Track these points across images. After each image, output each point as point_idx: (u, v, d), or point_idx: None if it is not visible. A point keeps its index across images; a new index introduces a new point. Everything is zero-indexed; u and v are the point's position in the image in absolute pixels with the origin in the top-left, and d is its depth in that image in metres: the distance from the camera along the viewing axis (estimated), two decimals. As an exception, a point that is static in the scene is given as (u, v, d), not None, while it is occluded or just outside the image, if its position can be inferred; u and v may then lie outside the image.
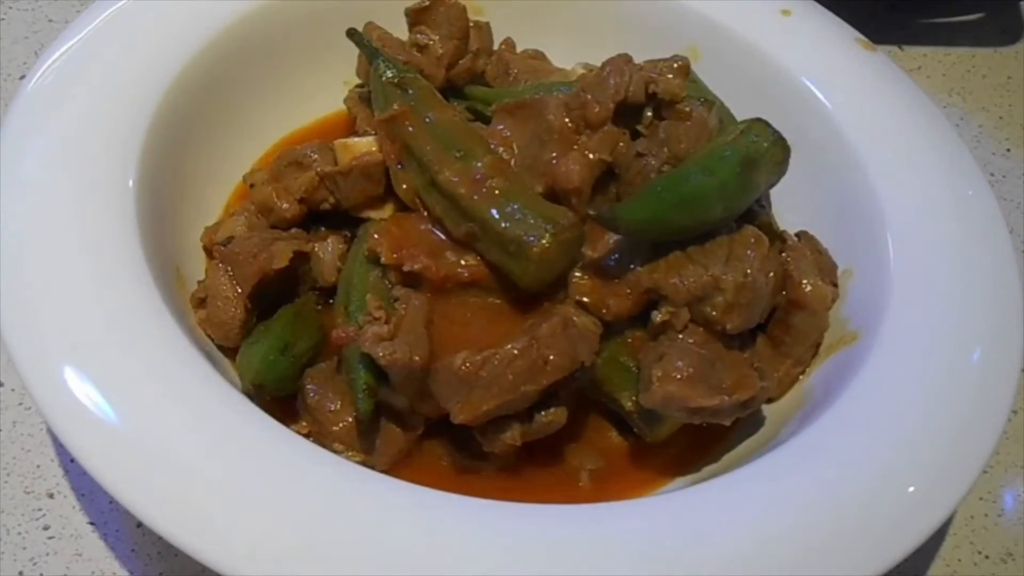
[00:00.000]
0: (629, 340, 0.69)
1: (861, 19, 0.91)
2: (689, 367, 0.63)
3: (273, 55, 0.84)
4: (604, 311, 0.67)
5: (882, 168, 0.77)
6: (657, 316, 0.67)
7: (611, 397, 0.68)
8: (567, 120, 0.70)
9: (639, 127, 0.74)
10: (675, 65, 0.73)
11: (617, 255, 0.68)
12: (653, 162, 0.71)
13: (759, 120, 0.70)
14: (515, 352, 0.61)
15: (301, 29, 0.85)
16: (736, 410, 0.64)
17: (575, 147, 0.70)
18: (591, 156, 0.70)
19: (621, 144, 0.71)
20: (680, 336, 0.67)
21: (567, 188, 0.69)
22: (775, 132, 0.69)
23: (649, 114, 0.74)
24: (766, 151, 0.68)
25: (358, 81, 0.83)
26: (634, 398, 0.67)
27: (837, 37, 0.88)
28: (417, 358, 0.61)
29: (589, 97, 0.71)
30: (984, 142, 1.05)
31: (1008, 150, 1.05)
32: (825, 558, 0.56)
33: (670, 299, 0.67)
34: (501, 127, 0.73)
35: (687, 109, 0.72)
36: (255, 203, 0.74)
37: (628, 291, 0.67)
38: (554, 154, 0.70)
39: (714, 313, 0.67)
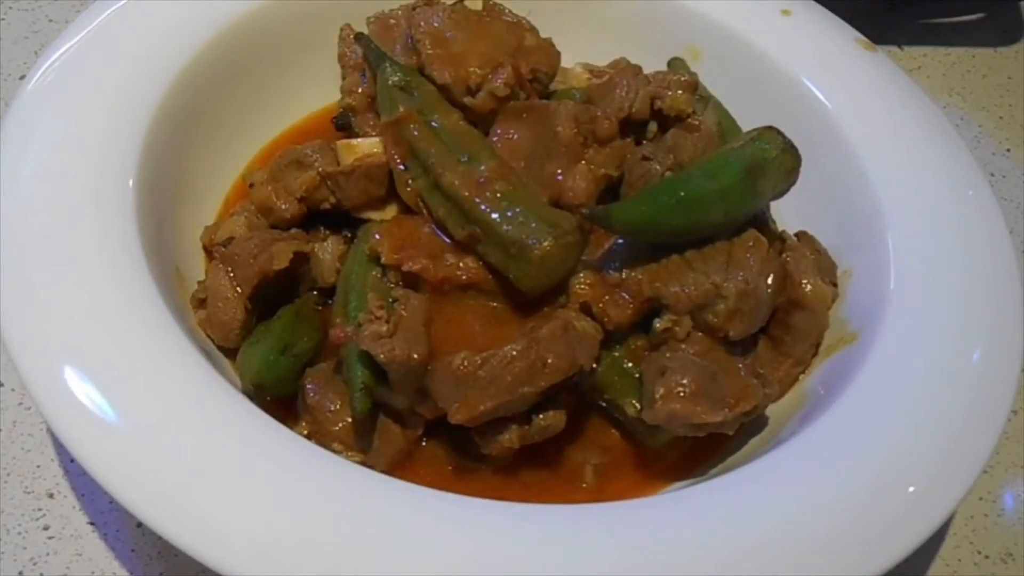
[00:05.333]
0: (632, 347, 0.69)
1: (861, 19, 0.91)
2: (692, 383, 0.63)
3: (272, 54, 0.84)
4: (605, 320, 0.67)
5: (882, 168, 0.77)
6: (659, 324, 0.67)
7: (614, 404, 0.68)
8: (576, 133, 0.70)
9: (644, 139, 0.75)
10: (682, 80, 0.74)
11: (618, 262, 0.68)
12: (657, 167, 0.71)
13: (771, 128, 0.70)
14: (514, 353, 0.61)
15: (299, 29, 0.85)
16: (739, 420, 0.64)
17: (582, 161, 0.70)
18: (599, 171, 0.70)
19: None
20: (683, 346, 0.67)
21: (573, 204, 0.69)
22: (786, 141, 0.69)
23: (654, 127, 0.74)
24: (775, 159, 0.68)
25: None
26: (636, 404, 0.67)
27: (837, 37, 0.88)
28: (416, 356, 0.61)
29: (599, 113, 0.71)
30: (984, 142, 1.05)
31: (1008, 150, 1.05)
32: (825, 558, 0.56)
33: (671, 307, 0.67)
34: (503, 129, 0.73)
35: (695, 122, 0.72)
36: (255, 203, 0.75)
37: (629, 300, 0.67)
38: (559, 169, 0.70)
39: (716, 320, 0.67)
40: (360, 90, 0.78)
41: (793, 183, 0.70)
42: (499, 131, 0.72)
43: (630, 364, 0.68)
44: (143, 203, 0.68)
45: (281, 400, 0.67)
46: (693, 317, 0.67)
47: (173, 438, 0.56)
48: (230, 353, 0.69)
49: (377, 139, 0.73)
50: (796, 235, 0.76)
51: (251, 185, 0.76)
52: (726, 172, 0.67)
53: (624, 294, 0.67)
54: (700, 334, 0.68)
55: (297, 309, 0.71)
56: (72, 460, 0.70)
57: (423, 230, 0.70)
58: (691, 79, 0.75)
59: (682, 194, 0.66)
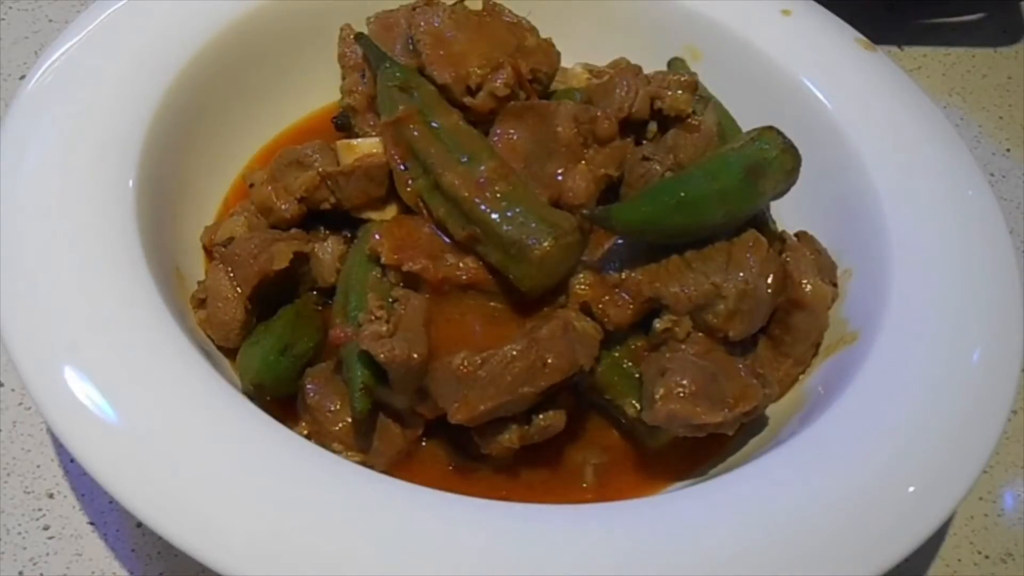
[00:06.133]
0: (632, 347, 0.69)
1: (861, 19, 0.91)
2: (692, 384, 0.63)
3: (272, 54, 0.84)
4: (605, 320, 0.67)
5: (882, 168, 0.77)
6: (659, 324, 0.67)
7: (614, 404, 0.68)
8: (576, 133, 0.70)
9: (643, 139, 0.75)
10: (682, 80, 0.74)
11: (617, 262, 0.68)
12: (658, 167, 0.71)
13: (770, 128, 0.70)
14: (514, 353, 0.61)
15: (299, 29, 0.85)
16: (739, 420, 0.64)
17: (582, 161, 0.70)
18: (599, 172, 0.70)
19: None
20: (683, 347, 0.67)
21: (573, 204, 0.69)
22: (786, 141, 0.69)
23: (654, 127, 0.74)
24: (774, 159, 0.68)
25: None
26: (636, 404, 0.67)
27: (837, 37, 0.88)
28: (416, 356, 0.61)
29: (599, 113, 0.71)
30: (984, 142, 1.05)
31: (1008, 150, 1.05)
32: (825, 558, 0.56)
33: (671, 308, 0.67)
34: (503, 129, 0.73)
35: (695, 122, 0.72)
36: (255, 203, 0.75)
37: (629, 300, 0.67)
38: (559, 169, 0.70)
39: (716, 321, 0.67)
40: (360, 90, 0.78)
41: (793, 183, 0.70)
42: (499, 131, 0.72)
43: (630, 364, 0.68)
44: (143, 203, 0.68)
45: (281, 400, 0.67)
46: (693, 317, 0.67)
47: (173, 438, 0.56)
48: (230, 353, 0.69)
49: (377, 139, 0.73)
50: (796, 235, 0.76)
51: (251, 185, 0.76)
52: (726, 172, 0.67)
53: (624, 294, 0.67)
54: (700, 334, 0.68)
55: (297, 309, 0.71)
56: (72, 460, 0.70)
57: (423, 230, 0.70)
58: (691, 79, 0.75)
59: (682, 194, 0.66)
